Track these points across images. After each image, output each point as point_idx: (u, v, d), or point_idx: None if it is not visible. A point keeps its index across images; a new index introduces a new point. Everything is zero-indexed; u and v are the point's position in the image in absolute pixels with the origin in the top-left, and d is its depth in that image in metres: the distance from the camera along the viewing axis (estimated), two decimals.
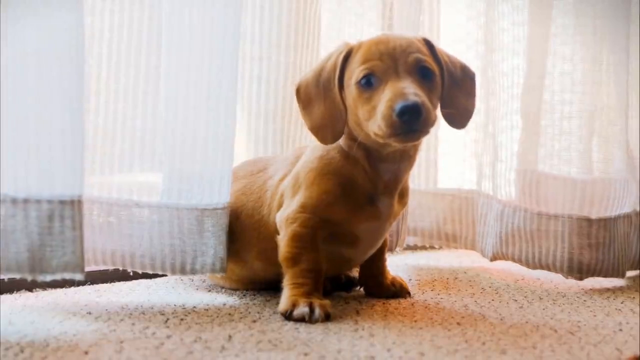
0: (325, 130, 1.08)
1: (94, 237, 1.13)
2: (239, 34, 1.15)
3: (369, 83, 1.03)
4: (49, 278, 0.97)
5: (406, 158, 1.11)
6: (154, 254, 1.13)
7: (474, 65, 1.57)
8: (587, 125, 1.45)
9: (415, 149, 1.12)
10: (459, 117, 1.12)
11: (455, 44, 1.63)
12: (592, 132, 1.46)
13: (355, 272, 1.29)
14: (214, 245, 1.14)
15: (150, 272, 1.15)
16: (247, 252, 1.17)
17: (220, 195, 1.15)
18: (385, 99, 1.00)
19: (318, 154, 1.13)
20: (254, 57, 1.37)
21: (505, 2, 1.47)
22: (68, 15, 0.97)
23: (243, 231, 1.17)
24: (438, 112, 1.09)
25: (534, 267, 1.42)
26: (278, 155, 1.29)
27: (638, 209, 1.48)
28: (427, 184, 1.62)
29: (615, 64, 1.45)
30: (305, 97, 1.10)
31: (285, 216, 1.10)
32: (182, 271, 1.14)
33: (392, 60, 1.03)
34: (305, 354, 0.87)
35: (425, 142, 1.62)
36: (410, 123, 0.98)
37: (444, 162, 1.67)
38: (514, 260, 1.45)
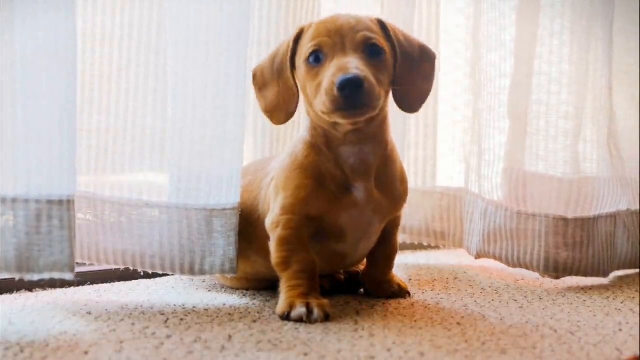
0: (278, 111, 1.11)
1: (106, 237, 1.13)
2: (248, 32, 1.15)
3: (317, 59, 1.05)
4: (36, 277, 0.97)
5: (369, 139, 1.09)
6: (163, 254, 1.13)
7: (471, 64, 1.58)
8: (572, 125, 1.44)
9: (380, 128, 1.10)
10: (410, 99, 1.12)
11: (455, 43, 1.63)
12: (578, 132, 1.45)
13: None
14: (223, 246, 1.14)
15: (160, 272, 1.16)
16: (249, 248, 1.18)
17: (229, 195, 1.14)
18: (328, 74, 1.01)
19: (288, 151, 1.14)
20: None
21: (499, 3, 1.46)
22: (58, 14, 0.97)
23: (246, 227, 1.17)
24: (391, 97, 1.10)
25: (514, 266, 1.42)
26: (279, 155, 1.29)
27: (634, 208, 1.47)
28: (416, 182, 1.61)
29: (600, 63, 1.44)
30: (261, 80, 1.13)
31: (270, 221, 1.11)
32: (191, 272, 1.14)
33: (340, 37, 1.04)
34: (305, 354, 0.87)
35: (423, 140, 1.62)
36: (352, 97, 0.98)
37: (437, 160, 1.66)
38: (495, 258, 1.44)
